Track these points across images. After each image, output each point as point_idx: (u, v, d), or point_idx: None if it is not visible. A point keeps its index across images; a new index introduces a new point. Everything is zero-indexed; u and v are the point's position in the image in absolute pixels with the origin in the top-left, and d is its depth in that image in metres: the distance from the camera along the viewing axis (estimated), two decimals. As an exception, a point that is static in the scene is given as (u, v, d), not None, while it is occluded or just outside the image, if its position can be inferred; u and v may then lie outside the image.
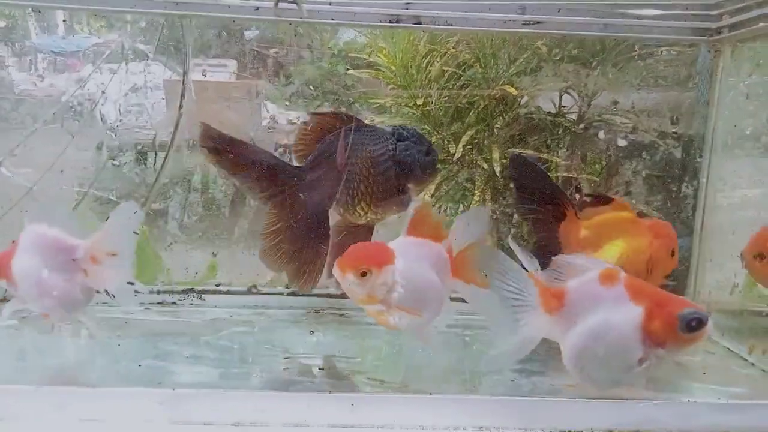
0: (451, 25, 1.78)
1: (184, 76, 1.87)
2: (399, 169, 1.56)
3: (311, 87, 1.96)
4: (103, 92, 1.89)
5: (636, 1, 1.71)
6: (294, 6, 1.65)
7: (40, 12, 1.86)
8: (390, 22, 1.76)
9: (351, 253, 1.31)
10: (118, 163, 1.92)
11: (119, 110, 1.89)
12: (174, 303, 1.86)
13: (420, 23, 1.76)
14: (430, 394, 1.26)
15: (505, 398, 1.30)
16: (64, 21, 1.92)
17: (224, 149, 1.48)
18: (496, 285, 1.24)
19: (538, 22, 1.75)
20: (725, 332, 1.76)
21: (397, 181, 1.56)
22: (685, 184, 1.92)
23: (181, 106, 1.87)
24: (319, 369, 1.44)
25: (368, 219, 1.57)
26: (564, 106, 1.96)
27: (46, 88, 1.90)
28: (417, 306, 1.34)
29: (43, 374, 1.39)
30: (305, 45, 1.92)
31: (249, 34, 1.90)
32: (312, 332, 1.67)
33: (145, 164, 1.94)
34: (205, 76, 1.90)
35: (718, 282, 1.85)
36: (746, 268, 1.59)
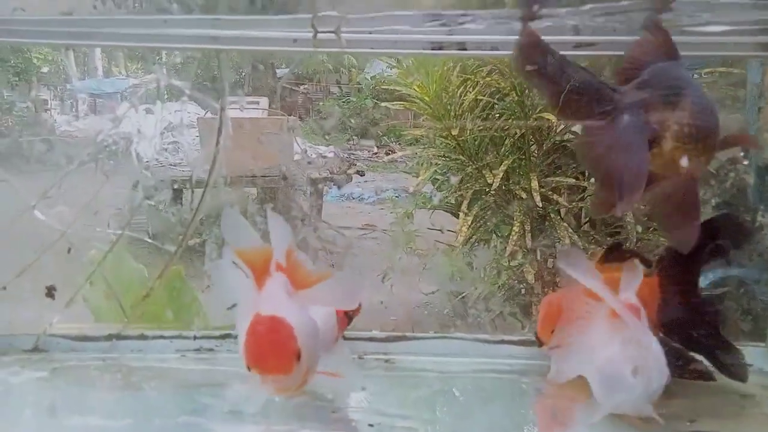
0: (497, 49, 1.68)
1: (221, 112, 1.82)
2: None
3: (345, 122, 1.89)
4: (139, 131, 1.85)
5: (700, 20, 1.59)
6: (333, 36, 1.58)
7: (75, 50, 1.83)
8: (432, 48, 1.67)
9: None
10: (153, 202, 1.87)
11: (155, 148, 1.84)
12: (211, 349, 1.77)
13: (465, 49, 1.67)
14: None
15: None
16: (104, 68, 1.90)
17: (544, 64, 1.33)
18: None
19: (591, 44, 1.64)
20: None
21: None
22: (760, 213, 1.77)
23: (218, 143, 1.82)
24: (369, 426, 1.32)
25: (679, 167, 1.36)
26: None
27: (85, 130, 1.89)
28: None
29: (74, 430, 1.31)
30: (334, 81, 1.87)
31: (280, 72, 1.86)
32: (364, 388, 1.54)
33: (181, 203, 1.88)
34: (242, 111, 1.85)
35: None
36: None
